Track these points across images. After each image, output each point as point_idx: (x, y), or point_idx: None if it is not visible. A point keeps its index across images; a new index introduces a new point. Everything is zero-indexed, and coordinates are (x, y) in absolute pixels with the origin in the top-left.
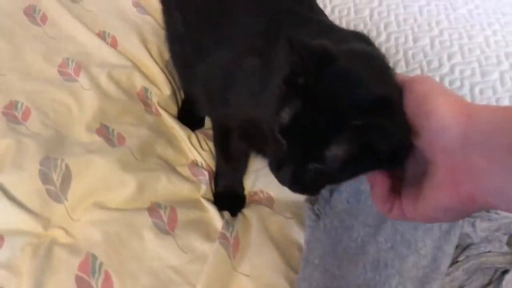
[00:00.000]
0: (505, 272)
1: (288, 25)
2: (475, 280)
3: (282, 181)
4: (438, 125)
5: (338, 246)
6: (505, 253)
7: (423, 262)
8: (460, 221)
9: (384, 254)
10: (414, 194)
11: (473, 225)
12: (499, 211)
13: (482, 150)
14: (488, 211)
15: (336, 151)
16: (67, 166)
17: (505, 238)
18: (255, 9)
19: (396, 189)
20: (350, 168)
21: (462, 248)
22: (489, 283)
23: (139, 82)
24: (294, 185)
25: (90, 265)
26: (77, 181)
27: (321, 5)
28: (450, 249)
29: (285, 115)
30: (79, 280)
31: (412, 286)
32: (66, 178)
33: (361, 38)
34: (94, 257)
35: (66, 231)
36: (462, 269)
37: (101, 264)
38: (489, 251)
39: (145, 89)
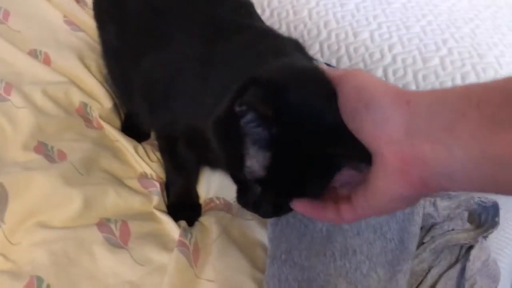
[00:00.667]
0: (471, 248)
1: (225, 31)
2: (443, 259)
3: (264, 216)
4: (380, 117)
5: (303, 239)
6: (468, 229)
7: (390, 245)
8: (422, 201)
9: (351, 241)
10: (364, 189)
11: (434, 204)
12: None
13: (426, 135)
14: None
15: (313, 183)
16: (2, 186)
17: (466, 215)
18: (191, 17)
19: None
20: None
21: (427, 229)
22: (456, 261)
23: (77, 97)
24: (276, 215)
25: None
26: (14, 201)
27: (259, 10)
28: (415, 230)
29: (256, 166)
30: None
31: (383, 270)
32: (2, 199)
33: (295, 46)
34: (40, 280)
35: (5, 257)
36: (429, 249)
37: (48, 286)
38: (452, 229)
39: (84, 104)
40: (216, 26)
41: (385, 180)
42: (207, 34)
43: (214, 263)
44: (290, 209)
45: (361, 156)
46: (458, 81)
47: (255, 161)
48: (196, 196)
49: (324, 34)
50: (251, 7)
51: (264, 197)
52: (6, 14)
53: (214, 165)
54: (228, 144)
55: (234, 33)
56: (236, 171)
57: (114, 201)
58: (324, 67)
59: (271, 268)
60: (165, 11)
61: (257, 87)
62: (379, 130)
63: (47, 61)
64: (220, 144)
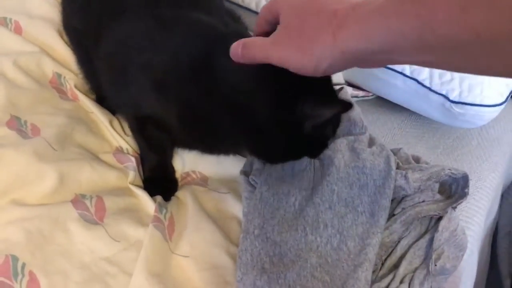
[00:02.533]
0: (440, 219)
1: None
2: (412, 230)
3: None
4: (328, 71)
5: (276, 213)
6: (438, 200)
7: (361, 219)
8: (393, 174)
9: (322, 215)
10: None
11: (405, 177)
12: (428, 162)
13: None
14: (418, 162)
15: None
16: None
17: (436, 186)
18: None
19: None
20: None
21: (398, 201)
22: (425, 232)
23: (50, 68)
24: None
25: (10, 267)
26: None
27: None
28: (386, 203)
29: None
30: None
31: (353, 243)
32: None
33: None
34: (15, 258)
35: None
36: (400, 221)
37: (23, 265)
38: (423, 201)
39: (58, 75)
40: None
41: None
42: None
43: (189, 238)
44: None
45: None
46: None
47: None
48: (172, 170)
49: None
50: None
51: None
52: None
53: (187, 146)
54: None
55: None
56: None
57: (89, 177)
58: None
59: (244, 242)
60: None
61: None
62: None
63: (18, 30)
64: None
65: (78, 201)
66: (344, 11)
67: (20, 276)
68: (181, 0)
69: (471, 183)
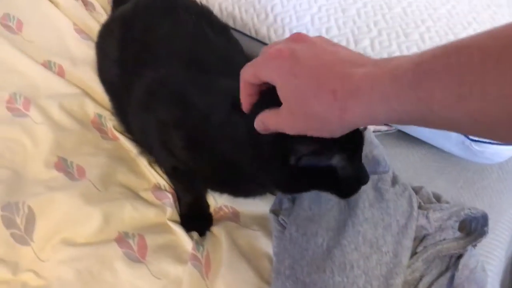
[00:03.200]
0: (460, 257)
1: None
2: (434, 268)
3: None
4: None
5: (305, 254)
6: (458, 238)
7: (385, 259)
8: (415, 214)
9: (349, 256)
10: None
11: (426, 216)
12: (449, 201)
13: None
14: (439, 201)
15: None
16: (29, 208)
17: (456, 225)
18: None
19: None
20: None
21: (419, 239)
22: (446, 269)
23: (91, 109)
24: None
25: None
26: (41, 221)
27: (262, 15)
28: (408, 243)
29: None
30: None
31: (377, 282)
32: (30, 219)
33: None
34: None
35: (36, 273)
36: (422, 259)
37: None
38: (443, 239)
39: (99, 116)
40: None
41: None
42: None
43: (225, 275)
44: None
45: None
46: None
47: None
48: (206, 205)
49: None
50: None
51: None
52: (20, 24)
53: (218, 190)
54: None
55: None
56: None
57: (130, 215)
58: None
59: (276, 283)
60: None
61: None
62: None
63: (61, 73)
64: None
65: (121, 239)
66: (343, 93)
67: None
68: (212, 65)
69: (490, 216)
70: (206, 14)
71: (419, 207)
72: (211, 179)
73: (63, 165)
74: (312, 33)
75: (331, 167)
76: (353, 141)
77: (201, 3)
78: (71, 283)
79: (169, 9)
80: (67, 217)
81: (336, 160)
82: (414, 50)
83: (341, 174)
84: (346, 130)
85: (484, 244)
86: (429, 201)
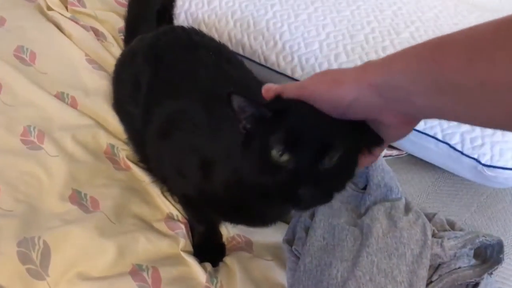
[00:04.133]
0: (476, 285)
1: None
2: None
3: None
4: (361, 110)
5: (320, 286)
6: (474, 266)
7: None
8: (429, 243)
9: (364, 287)
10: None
11: (441, 245)
12: (463, 228)
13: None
14: (453, 228)
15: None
16: (45, 243)
17: (471, 252)
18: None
19: None
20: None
21: (434, 268)
22: None
23: (104, 140)
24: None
25: None
26: (56, 255)
27: (271, 43)
28: (423, 273)
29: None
30: None
31: None
32: (46, 254)
33: None
34: None
35: None
36: None
37: None
38: (459, 267)
39: (112, 146)
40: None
41: (394, 129)
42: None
43: None
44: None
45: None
46: None
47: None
48: (219, 235)
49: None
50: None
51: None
52: (33, 56)
53: (234, 221)
54: None
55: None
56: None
57: (144, 247)
58: None
59: None
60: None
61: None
62: (367, 114)
63: (74, 104)
64: None
65: (136, 272)
66: (368, 62)
67: None
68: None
69: (506, 242)
70: (223, 50)
71: (433, 235)
72: (224, 206)
73: (77, 198)
74: (320, 60)
75: (267, 142)
76: (306, 137)
77: (219, 40)
78: None
79: (191, 46)
80: (82, 251)
81: (273, 140)
82: (405, 45)
83: (274, 158)
84: (363, 87)
85: (500, 270)
86: (442, 228)
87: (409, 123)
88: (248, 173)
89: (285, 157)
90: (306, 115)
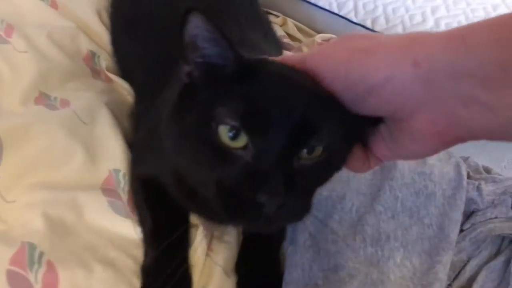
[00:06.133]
0: None
1: None
2: (483, 249)
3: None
4: (385, 90)
5: (329, 220)
6: None
7: (428, 232)
8: (465, 184)
9: (384, 225)
10: (391, 147)
11: (478, 188)
12: (500, 173)
13: (454, 95)
14: (489, 173)
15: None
16: None
17: (510, 202)
18: None
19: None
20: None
21: (466, 215)
22: (497, 252)
23: (84, 45)
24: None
25: (26, 256)
26: (10, 153)
27: None
28: (457, 216)
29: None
30: (11, 276)
31: (419, 260)
32: None
33: None
34: (32, 247)
35: None
36: (469, 238)
37: (41, 254)
38: (495, 217)
39: (92, 53)
40: None
41: (418, 144)
42: None
43: None
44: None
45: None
46: None
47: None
48: None
49: None
50: None
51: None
52: None
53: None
54: None
55: None
56: None
57: (121, 156)
58: None
59: (294, 257)
60: None
61: None
62: (394, 109)
63: (54, 5)
64: None
65: (108, 182)
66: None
67: (36, 266)
68: None
69: None
70: None
71: (468, 177)
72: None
73: (44, 100)
74: (412, 12)
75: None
76: (277, 112)
77: None
78: (37, 231)
79: None
80: (44, 153)
81: (223, 111)
82: (462, 6)
83: (222, 140)
84: (404, 65)
85: None
86: (478, 172)
87: (445, 136)
88: (178, 158)
89: (240, 141)
90: (282, 81)
